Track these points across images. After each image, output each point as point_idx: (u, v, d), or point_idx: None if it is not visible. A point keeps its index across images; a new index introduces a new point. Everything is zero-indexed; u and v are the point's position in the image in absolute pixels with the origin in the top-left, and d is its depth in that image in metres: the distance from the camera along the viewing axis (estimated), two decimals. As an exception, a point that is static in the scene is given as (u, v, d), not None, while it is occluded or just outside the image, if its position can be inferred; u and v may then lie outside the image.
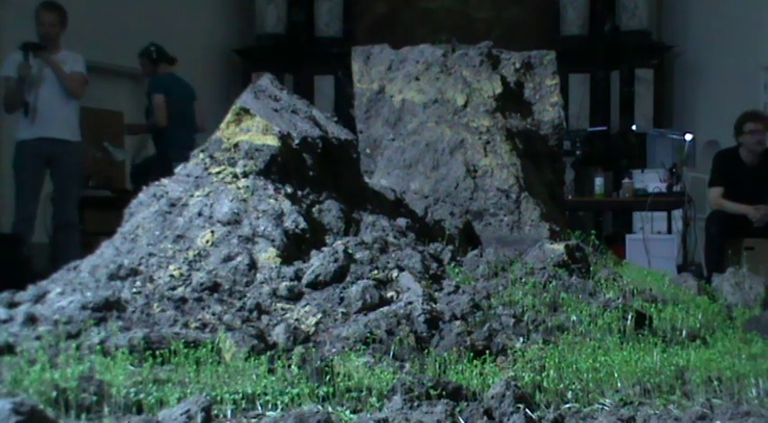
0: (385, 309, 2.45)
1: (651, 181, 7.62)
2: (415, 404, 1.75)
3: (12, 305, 2.48)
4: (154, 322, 2.32)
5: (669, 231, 7.67)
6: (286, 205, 2.89)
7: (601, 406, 1.91)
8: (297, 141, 3.10)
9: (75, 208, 6.52)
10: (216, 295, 2.50)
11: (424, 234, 3.38)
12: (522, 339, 2.39)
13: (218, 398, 1.81)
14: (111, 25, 8.70)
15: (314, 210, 3.03)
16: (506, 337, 2.40)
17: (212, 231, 2.74)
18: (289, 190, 2.98)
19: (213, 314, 2.38)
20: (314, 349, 2.22)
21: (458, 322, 2.40)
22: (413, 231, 3.25)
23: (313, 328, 2.40)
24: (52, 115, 6.34)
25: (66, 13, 6.50)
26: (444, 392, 1.81)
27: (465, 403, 1.79)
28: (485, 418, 1.74)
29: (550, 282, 2.84)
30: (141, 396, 1.81)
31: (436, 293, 2.68)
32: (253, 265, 2.64)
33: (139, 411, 1.77)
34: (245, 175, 2.95)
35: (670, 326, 2.62)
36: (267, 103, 3.25)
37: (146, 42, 7.61)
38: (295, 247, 2.80)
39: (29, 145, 6.29)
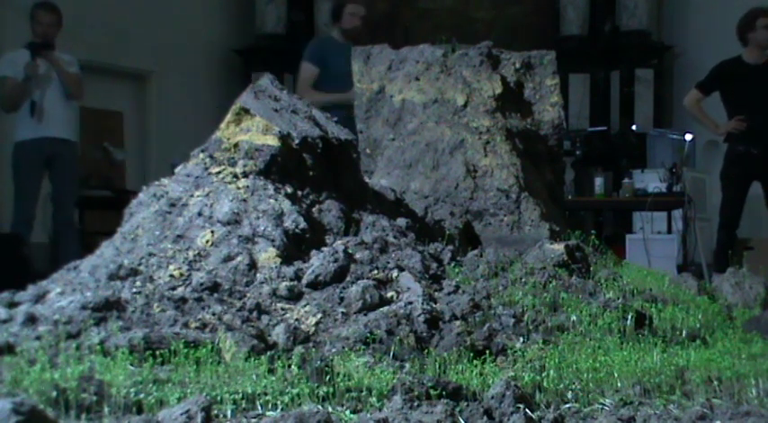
0: (385, 309, 2.45)
1: (651, 181, 7.63)
2: (415, 404, 1.75)
3: (12, 305, 2.48)
4: (154, 322, 2.32)
5: (669, 231, 7.67)
6: (286, 205, 2.89)
7: (601, 406, 1.91)
8: (297, 141, 3.10)
9: (73, 208, 6.52)
10: (216, 295, 2.50)
11: (424, 234, 3.38)
12: (522, 339, 2.39)
13: (218, 398, 1.81)
14: (111, 25, 8.70)
15: (314, 210, 3.02)
16: (506, 337, 2.40)
17: (212, 231, 2.74)
18: (289, 190, 2.98)
19: (213, 314, 2.38)
20: (314, 349, 2.22)
21: (458, 322, 2.40)
22: (413, 231, 3.25)
23: (313, 328, 2.40)
24: (56, 115, 6.36)
25: (61, 14, 6.51)
26: (444, 392, 1.81)
27: (465, 403, 1.79)
28: (485, 418, 1.74)
29: (550, 282, 2.84)
30: (141, 396, 1.81)
31: (436, 293, 2.68)
32: (253, 265, 2.64)
33: (139, 411, 1.77)
34: (245, 175, 2.95)
35: (670, 326, 2.62)
36: (267, 103, 3.25)
37: (146, 42, 7.60)
38: (295, 247, 2.79)
39: (29, 145, 6.29)
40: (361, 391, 1.88)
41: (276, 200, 2.89)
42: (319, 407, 1.79)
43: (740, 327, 2.84)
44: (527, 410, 1.76)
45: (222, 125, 3.13)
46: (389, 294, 2.61)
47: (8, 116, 6.59)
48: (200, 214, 2.81)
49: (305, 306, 2.50)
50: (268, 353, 2.16)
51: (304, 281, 2.62)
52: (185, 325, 2.30)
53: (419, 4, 10.63)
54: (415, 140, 4.25)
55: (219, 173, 2.95)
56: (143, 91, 9.72)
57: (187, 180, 2.96)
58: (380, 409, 1.80)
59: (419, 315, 2.40)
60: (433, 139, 4.20)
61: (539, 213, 3.95)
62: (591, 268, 3.24)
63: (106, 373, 1.91)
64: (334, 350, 2.21)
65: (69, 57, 6.52)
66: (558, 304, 2.66)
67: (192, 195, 2.89)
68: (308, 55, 5.90)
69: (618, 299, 2.72)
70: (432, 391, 1.80)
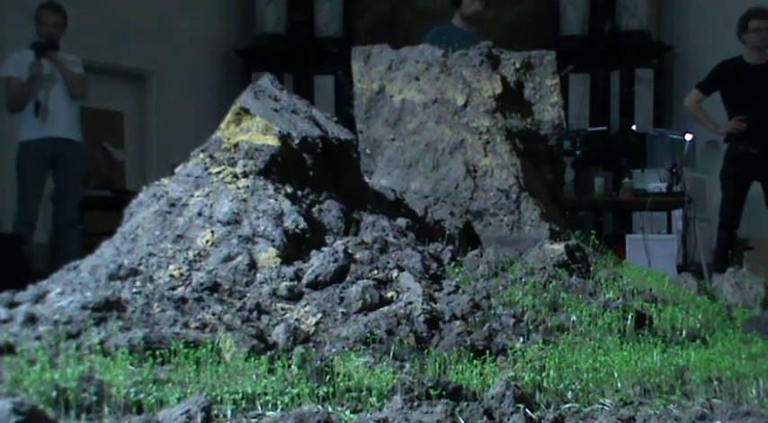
0: (385, 309, 2.45)
1: (651, 181, 7.62)
2: (415, 404, 1.75)
3: (12, 305, 2.48)
4: (154, 322, 2.32)
5: (669, 231, 7.66)
6: (286, 205, 2.89)
7: (601, 406, 1.91)
8: (297, 141, 3.10)
9: (76, 208, 6.52)
10: (216, 295, 2.50)
11: (424, 234, 3.38)
12: (522, 339, 2.39)
13: (218, 398, 1.81)
14: (111, 25, 8.70)
15: (314, 210, 3.03)
16: (506, 337, 2.40)
17: (212, 231, 2.74)
18: (289, 190, 2.98)
19: (213, 314, 2.38)
20: (314, 349, 2.22)
21: (458, 322, 2.40)
22: (413, 231, 3.25)
23: (313, 328, 2.40)
24: (60, 115, 6.37)
25: (66, 15, 6.52)
26: (444, 392, 1.81)
27: (465, 403, 1.79)
28: (485, 418, 1.74)
29: (550, 282, 2.84)
30: (141, 396, 1.81)
31: (436, 293, 2.68)
32: (253, 265, 2.64)
33: (139, 411, 1.77)
34: (245, 175, 2.95)
35: (670, 326, 2.62)
36: (267, 103, 3.25)
37: (146, 42, 7.58)
38: (295, 247, 2.80)
39: (33, 145, 6.29)
40: (361, 391, 1.89)
41: (276, 200, 2.89)
42: (319, 407, 1.79)
43: (740, 327, 2.84)
44: (527, 410, 1.76)
45: (222, 125, 3.13)
46: (389, 294, 2.61)
47: (12, 116, 6.59)
48: (200, 214, 2.81)
49: (305, 306, 2.50)
50: (268, 353, 2.16)
51: (304, 281, 2.62)
52: (185, 325, 2.31)
53: (419, 4, 10.61)
54: (415, 140, 4.26)
55: (219, 173, 2.96)
56: (143, 91, 9.71)
57: (187, 180, 2.97)
58: (380, 409, 1.80)
59: (419, 315, 2.40)
60: (433, 139, 4.20)
61: (539, 213, 3.95)
62: (591, 268, 3.24)
63: (106, 373, 1.91)
64: (334, 350, 2.21)
65: (73, 57, 6.53)
66: (558, 304, 2.66)
67: (192, 195, 2.89)
68: (429, 43, 5.72)
69: (618, 299, 2.72)
70: (432, 391, 1.80)
